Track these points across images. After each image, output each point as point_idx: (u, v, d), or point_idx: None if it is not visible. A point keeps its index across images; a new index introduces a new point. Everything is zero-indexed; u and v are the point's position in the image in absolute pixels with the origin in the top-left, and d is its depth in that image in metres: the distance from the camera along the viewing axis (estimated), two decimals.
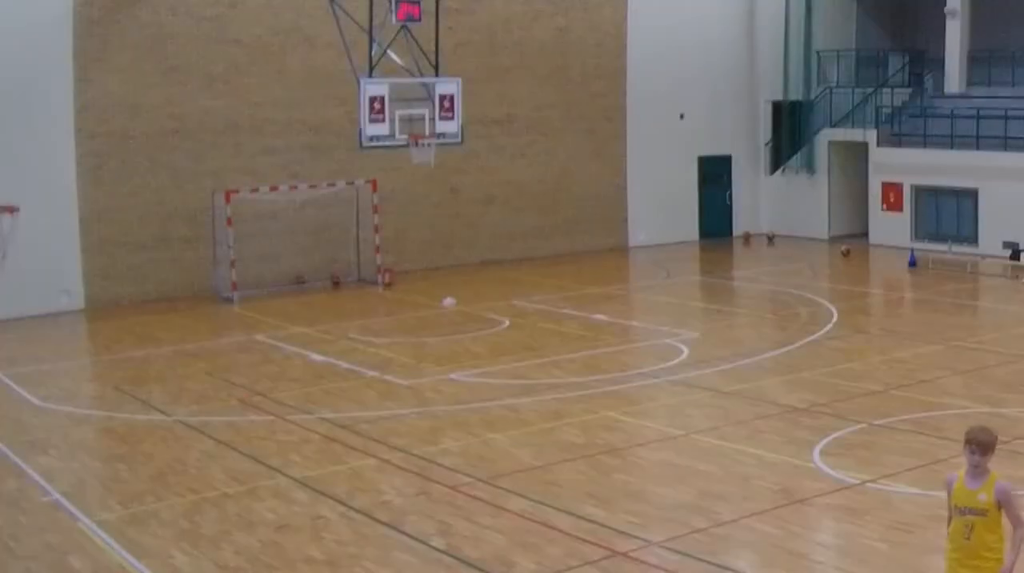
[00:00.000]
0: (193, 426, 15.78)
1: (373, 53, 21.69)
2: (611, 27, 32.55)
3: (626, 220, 33.49)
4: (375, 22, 21.56)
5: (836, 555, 10.84)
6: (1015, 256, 27.66)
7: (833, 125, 33.70)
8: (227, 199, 26.00)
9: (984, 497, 7.84)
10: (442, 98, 22.20)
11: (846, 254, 30.79)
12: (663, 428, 15.14)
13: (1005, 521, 7.78)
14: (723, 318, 23.45)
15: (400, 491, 12.82)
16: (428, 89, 22.25)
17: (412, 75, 22.44)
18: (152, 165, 26.10)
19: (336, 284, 27.73)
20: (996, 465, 13.05)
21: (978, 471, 7.92)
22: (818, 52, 34.39)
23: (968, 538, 7.80)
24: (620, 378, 17.86)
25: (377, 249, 28.03)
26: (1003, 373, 17.49)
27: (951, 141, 30.31)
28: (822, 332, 20.92)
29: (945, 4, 31.89)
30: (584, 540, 11.12)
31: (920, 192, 31.42)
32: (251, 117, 27.21)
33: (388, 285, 27.44)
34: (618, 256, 32.37)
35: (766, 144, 35.49)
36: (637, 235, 33.42)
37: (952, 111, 30.70)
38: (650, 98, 33.07)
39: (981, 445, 7.87)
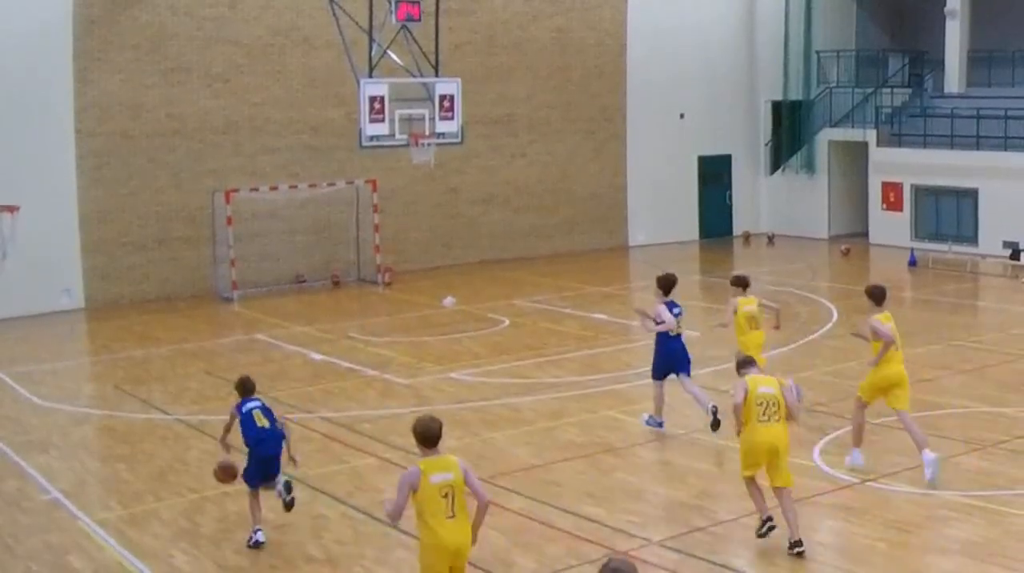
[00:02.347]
0: (193, 425, 15.78)
1: (373, 53, 21.68)
2: (611, 27, 32.55)
3: (626, 220, 33.50)
4: (375, 22, 21.55)
5: (836, 554, 10.84)
6: (1015, 256, 27.66)
7: (833, 125, 33.71)
8: (227, 199, 26.01)
9: (453, 475, 8.46)
10: (442, 98, 22.18)
11: (846, 254, 30.79)
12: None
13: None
14: (723, 318, 23.39)
15: None
16: (428, 89, 22.24)
17: (412, 75, 22.43)
18: (152, 165, 26.11)
19: (336, 284, 27.74)
20: (997, 466, 13.12)
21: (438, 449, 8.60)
22: (818, 52, 34.40)
23: (452, 514, 8.41)
24: (620, 377, 17.88)
25: (377, 249, 28.04)
26: (1003, 373, 17.51)
27: (951, 141, 30.31)
28: (822, 331, 20.94)
29: (945, 4, 31.90)
30: (584, 539, 11.13)
31: (920, 192, 31.42)
32: (251, 117, 27.22)
33: (388, 285, 27.46)
34: (618, 256, 32.37)
35: (766, 144, 35.49)
36: (637, 235, 33.42)
37: (952, 111, 30.70)
38: (650, 98, 33.07)
39: (424, 437, 8.53)
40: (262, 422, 11.53)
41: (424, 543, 8.49)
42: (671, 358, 14.66)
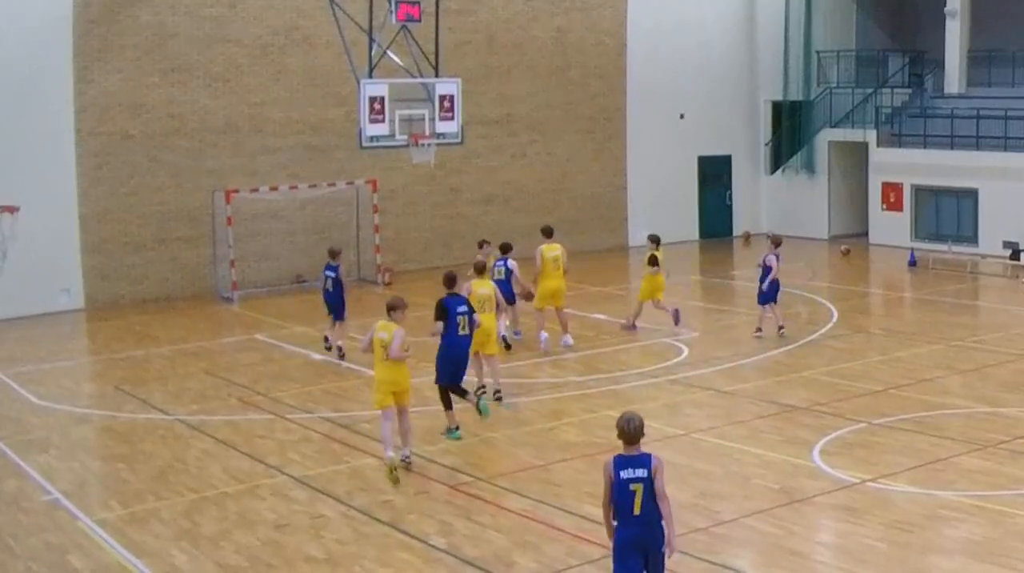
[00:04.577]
0: (193, 425, 15.78)
1: (373, 53, 21.67)
2: (611, 27, 32.55)
3: (626, 220, 33.50)
4: (375, 22, 21.54)
5: (836, 554, 10.84)
6: (1015, 256, 27.66)
7: (833, 125, 33.71)
8: (227, 199, 26.01)
9: (387, 335, 13.26)
10: (442, 98, 22.14)
11: (846, 254, 30.79)
12: (663, 427, 15.13)
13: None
14: (723, 318, 23.45)
15: (400, 490, 12.83)
16: (428, 89, 22.23)
17: (412, 75, 22.41)
18: (152, 165, 26.11)
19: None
20: (997, 466, 13.15)
21: (394, 317, 13.37)
22: (818, 52, 34.40)
23: (386, 358, 13.12)
24: (619, 377, 17.86)
25: (377, 249, 28.04)
26: (1003, 373, 17.50)
27: (951, 141, 30.32)
28: (822, 332, 20.93)
29: (945, 4, 31.90)
30: (584, 539, 11.12)
31: (920, 192, 31.42)
32: (251, 117, 27.22)
33: (388, 285, 27.44)
34: (618, 256, 32.37)
35: (766, 144, 35.50)
36: (637, 235, 33.39)
37: (952, 111, 30.71)
38: (650, 98, 33.07)
39: (387, 307, 13.58)
40: (326, 286, 19.41)
41: (374, 377, 13.46)
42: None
